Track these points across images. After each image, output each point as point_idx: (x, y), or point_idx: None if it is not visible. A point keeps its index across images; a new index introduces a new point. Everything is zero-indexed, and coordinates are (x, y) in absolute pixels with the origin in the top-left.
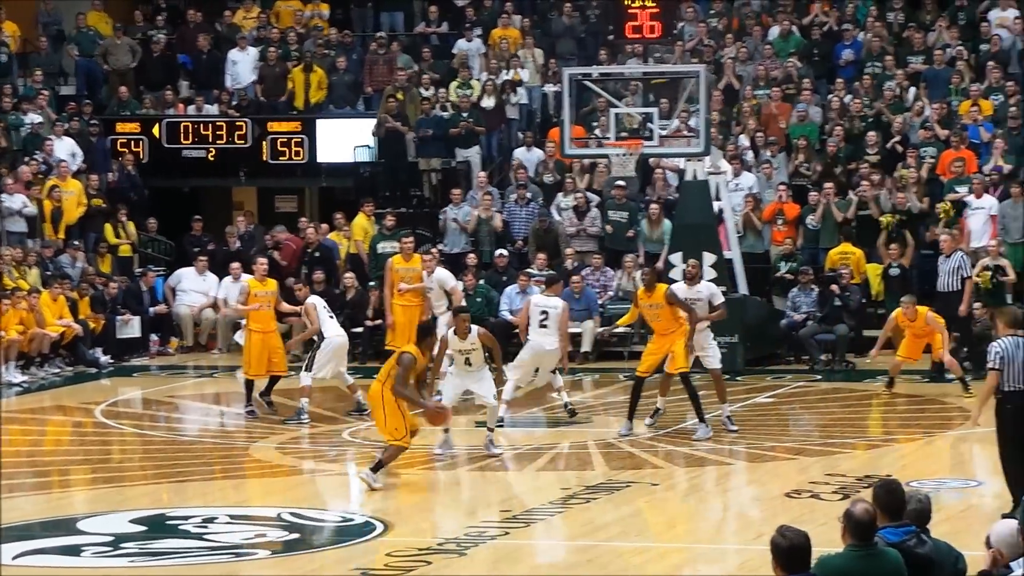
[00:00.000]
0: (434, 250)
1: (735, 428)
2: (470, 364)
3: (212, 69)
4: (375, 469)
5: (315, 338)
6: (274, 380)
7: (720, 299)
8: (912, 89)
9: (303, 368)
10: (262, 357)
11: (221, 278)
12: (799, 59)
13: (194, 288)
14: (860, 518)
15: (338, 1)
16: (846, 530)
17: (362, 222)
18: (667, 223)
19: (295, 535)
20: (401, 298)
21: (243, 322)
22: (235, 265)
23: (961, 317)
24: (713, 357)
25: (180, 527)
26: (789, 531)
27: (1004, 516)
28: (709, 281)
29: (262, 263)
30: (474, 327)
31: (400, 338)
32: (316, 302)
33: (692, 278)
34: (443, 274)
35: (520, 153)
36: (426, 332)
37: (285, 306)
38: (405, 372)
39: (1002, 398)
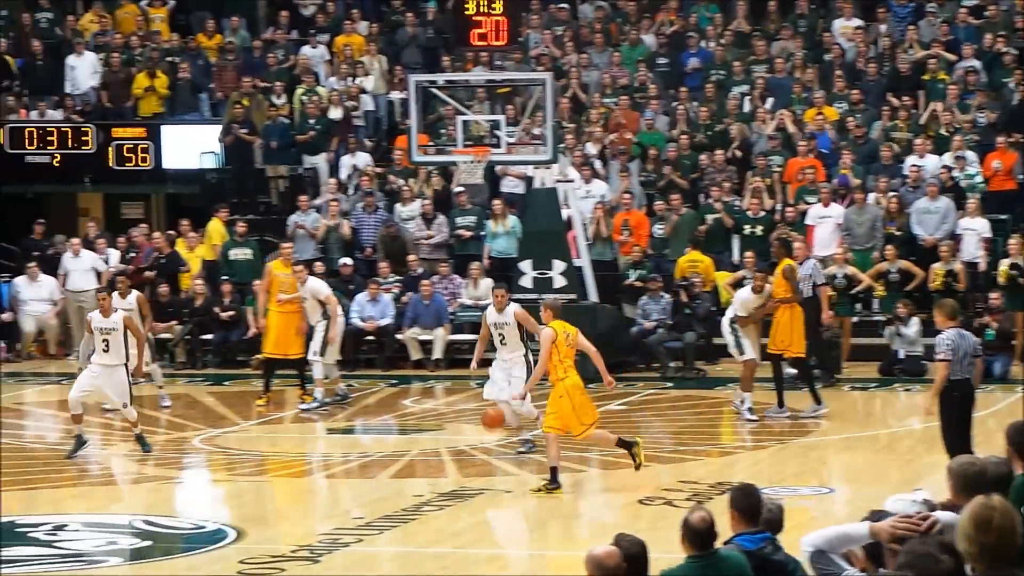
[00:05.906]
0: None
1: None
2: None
3: (48, 74)
4: None
5: None
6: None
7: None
8: (752, 97)
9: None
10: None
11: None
12: (646, 67)
13: (31, 296)
14: (696, 527)
15: (178, 5)
16: (684, 539)
17: (218, 227)
18: (513, 218)
19: (147, 542)
20: (279, 306)
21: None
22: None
23: (811, 325)
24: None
25: (30, 535)
26: (625, 540)
27: None
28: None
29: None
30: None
31: (277, 344)
32: None
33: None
34: (316, 284)
35: (346, 159)
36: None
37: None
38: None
39: (949, 386)
